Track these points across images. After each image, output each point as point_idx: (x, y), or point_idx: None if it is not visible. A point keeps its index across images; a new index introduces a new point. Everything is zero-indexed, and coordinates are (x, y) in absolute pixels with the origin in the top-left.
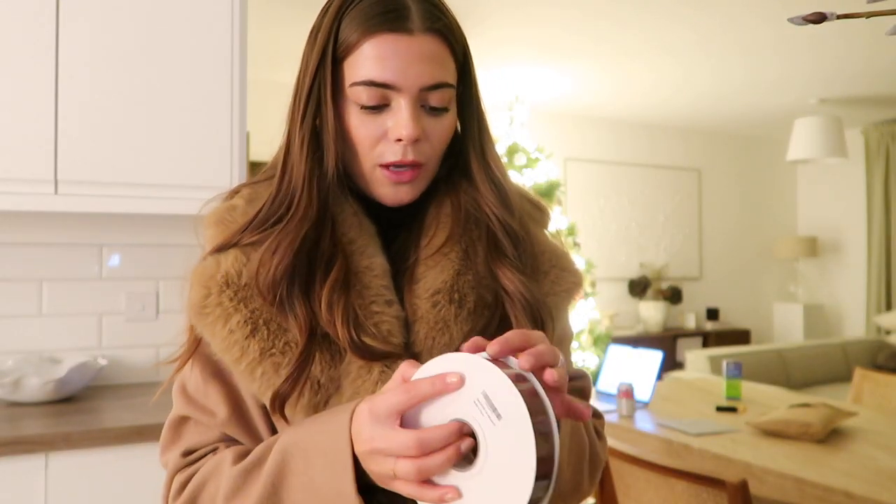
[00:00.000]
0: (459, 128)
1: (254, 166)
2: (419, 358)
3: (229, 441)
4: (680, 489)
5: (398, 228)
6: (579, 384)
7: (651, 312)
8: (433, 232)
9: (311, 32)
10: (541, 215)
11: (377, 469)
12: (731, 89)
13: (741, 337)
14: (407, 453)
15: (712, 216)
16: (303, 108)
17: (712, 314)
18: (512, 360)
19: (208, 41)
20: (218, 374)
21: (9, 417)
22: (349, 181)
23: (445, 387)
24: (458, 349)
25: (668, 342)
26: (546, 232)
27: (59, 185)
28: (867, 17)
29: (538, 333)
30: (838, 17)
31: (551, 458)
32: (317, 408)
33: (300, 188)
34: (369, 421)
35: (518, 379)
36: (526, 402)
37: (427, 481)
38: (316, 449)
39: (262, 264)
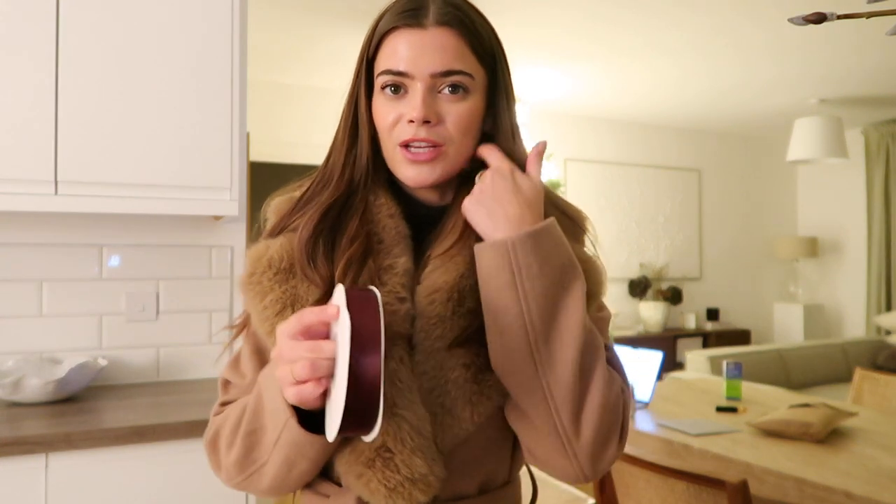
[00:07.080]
0: (490, 128)
1: (254, 166)
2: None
3: None
4: (680, 489)
5: (434, 226)
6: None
7: (651, 313)
8: (447, 234)
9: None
10: (570, 224)
11: (280, 374)
12: (730, 90)
13: (741, 337)
14: (304, 355)
15: (712, 216)
16: (346, 104)
17: (712, 314)
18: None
19: (208, 41)
20: (258, 351)
21: (9, 418)
22: (390, 177)
23: (326, 315)
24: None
25: (668, 342)
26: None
27: (59, 185)
28: (867, 17)
29: None
30: (838, 17)
31: (371, 375)
32: None
33: (337, 171)
34: (279, 340)
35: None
36: (353, 323)
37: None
38: (266, 377)
39: (301, 228)
